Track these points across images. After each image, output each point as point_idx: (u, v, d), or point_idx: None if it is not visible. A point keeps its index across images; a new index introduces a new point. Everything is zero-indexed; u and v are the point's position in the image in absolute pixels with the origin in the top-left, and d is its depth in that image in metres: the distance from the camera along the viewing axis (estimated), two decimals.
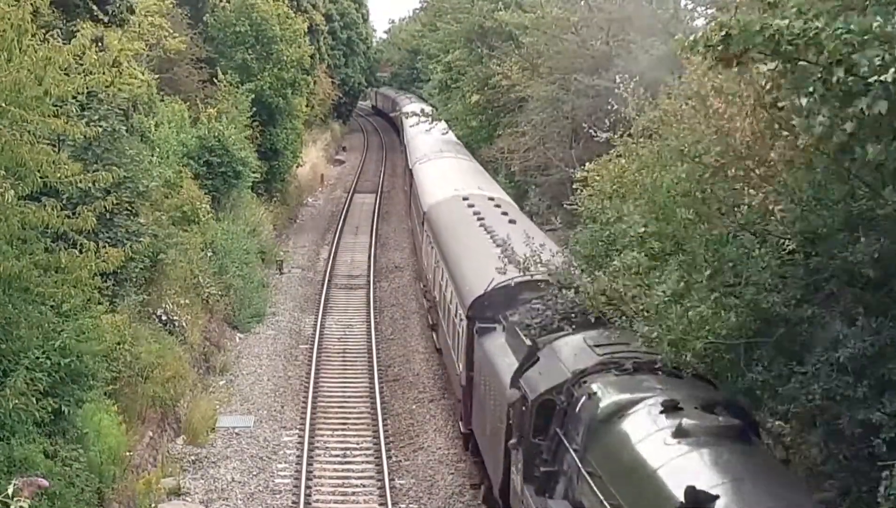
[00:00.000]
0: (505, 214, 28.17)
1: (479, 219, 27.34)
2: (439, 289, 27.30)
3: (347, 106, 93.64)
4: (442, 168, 40.47)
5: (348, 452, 23.88)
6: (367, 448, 24.07)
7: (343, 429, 25.27)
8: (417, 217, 38.53)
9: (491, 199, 31.52)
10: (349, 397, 27.54)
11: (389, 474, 22.40)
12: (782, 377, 12.44)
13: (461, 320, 21.97)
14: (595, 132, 23.31)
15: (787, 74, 10.79)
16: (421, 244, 35.84)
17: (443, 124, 53.58)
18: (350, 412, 26.40)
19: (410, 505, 21.36)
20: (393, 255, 45.41)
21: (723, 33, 10.34)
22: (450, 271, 25.12)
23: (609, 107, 22.62)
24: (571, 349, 15.80)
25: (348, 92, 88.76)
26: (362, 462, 23.32)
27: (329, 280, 39.85)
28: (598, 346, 15.52)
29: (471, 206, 29.59)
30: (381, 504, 21.21)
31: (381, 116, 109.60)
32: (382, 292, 38.74)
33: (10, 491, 8.41)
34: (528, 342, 16.89)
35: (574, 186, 20.65)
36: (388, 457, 23.37)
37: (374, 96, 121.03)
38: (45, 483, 10.37)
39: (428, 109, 58.16)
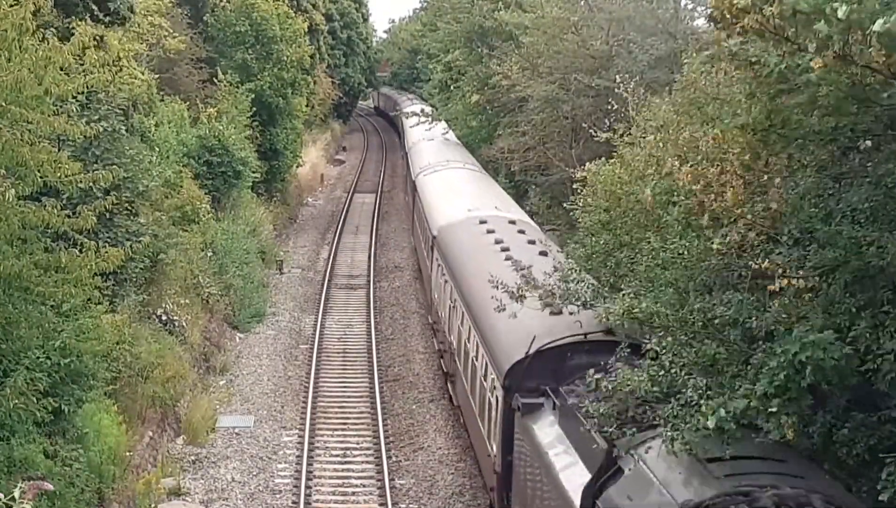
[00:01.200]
0: (532, 243, 23.64)
1: (503, 250, 22.77)
2: (458, 336, 22.98)
3: (347, 106, 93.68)
4: (451, 182, 36.64)
5: (348, 452, 23.88)
6: (367, 448, 24.08)
7: (343, 429, 25.28)
8: (424, 240, 34.07)
9: (512, 222, 26.99)
10: (349, 397, 27.54)
11: (389, 474, 22.40)
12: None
13: (495, 387, 17.56)
14: (595, 132, 23.35)
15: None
16: (430, 273, 31.23)
17: (443, 124, 53.55)
18: (350, 412, 26.40)
19: (410, 505, 21.36)
20: (393, 255, 45.41)
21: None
22: (474, 318, 20.57)
23: (609, 107, 22.66)
24: (673, 464, 11.25)
25: (348, 92, 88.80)
26: (362, 462, 23.33)
27: (329, 280, 39.86)
28: (711, 460, 10.97)
29: (490, 232, 25.08)
30: (381, 505, 21.21)
31: (384, 117, 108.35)
32: (382, 291, 38.75)
33: (16, 494, 8.40)
34: (602, 443, 12.67)
35: (574, 187, 20.48)
36: (388, 457, 23.37)
37: (377, 97, 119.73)
38: (49, 486, 10.36)
39: (428, 109, 57.99)
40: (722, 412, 11.13)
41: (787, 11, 9.95)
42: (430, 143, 49.23)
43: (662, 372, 12.47)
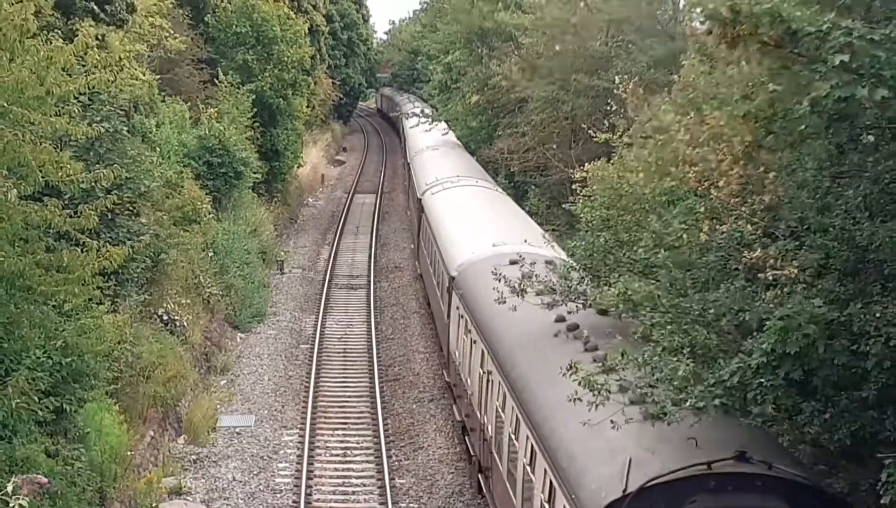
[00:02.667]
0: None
1: (549, 306, 17.85)
2: (496, 419, 18.25)
3: (348, 107, 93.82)
4: (466, 205, 32.12)
5: (349, 451, 23.95)
6: (368, 448, 24.14)
7: (343, 429, 25.34)
8: (437, 278, 29.38)
9: (550, 263, 20.05)
10: (349, 396, 27.60)
11: (389, 473, 22.46)
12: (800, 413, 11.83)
13: None
14: (595, 133, 23.43)
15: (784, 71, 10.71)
16: (447, 321, 26.06)
17: (443, 125, 53.64)
18: (350, 412, 26.46)
19: (410, 505, 21.42)
20: (393, 255, 45.48)
21: (734, 10, 10.11)
22: (523, 408, 15.56)
23: (609, 107, 22.74)
24: None
25: (349, 93, 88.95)
26: (362, 462, 23.39)
27: (329, 280, 39.93)
28: None
29: (527, 277, 18.97)
30: (381, 504, 21.27)
31: (386, 119, 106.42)
32: (383, 291, 38.81)
33: (9, 489, 8.41)
34: None
35: (574, 187, 20.54)
36: (389, 457, 23.44)
37: (379, 99, 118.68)
38: (44, 480, 10.39)
39: (428, 109, 57.99)
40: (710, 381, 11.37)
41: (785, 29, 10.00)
42: (435, 152, 47.03)
43: (656, 357, 12.54)
